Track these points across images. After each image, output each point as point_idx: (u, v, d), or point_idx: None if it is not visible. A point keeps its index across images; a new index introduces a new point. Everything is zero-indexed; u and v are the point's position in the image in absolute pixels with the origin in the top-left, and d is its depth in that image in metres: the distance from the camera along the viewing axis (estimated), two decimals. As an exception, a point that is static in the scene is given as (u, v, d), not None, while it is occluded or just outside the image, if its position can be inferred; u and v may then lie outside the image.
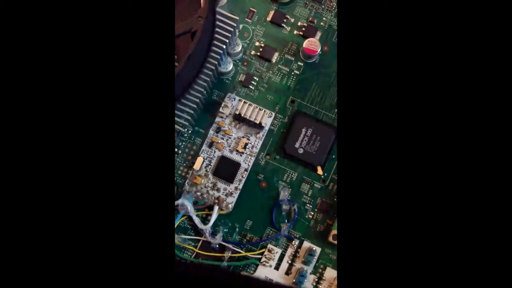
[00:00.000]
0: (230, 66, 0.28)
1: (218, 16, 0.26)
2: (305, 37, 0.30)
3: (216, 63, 0.26)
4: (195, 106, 0.26)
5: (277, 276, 0.28)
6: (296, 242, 0.28)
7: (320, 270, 0.28)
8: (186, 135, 0.29)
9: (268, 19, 0.30)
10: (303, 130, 0.29)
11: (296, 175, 0.29)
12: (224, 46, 0.26)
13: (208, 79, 0.26)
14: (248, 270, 0.28)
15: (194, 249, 0.28)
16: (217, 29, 0.26)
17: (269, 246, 0.28)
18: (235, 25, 0.26)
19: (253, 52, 0.30)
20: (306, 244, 0.28)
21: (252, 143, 0.29)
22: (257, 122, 0.29)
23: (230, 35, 0.26)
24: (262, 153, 0.29)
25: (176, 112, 0.26)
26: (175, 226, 0.28)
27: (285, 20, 0.30)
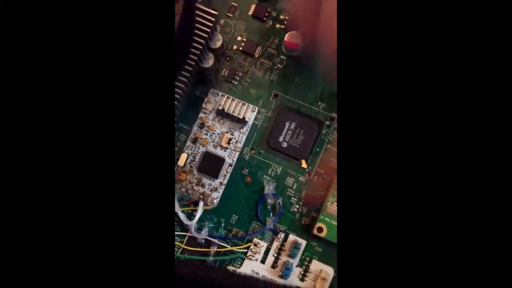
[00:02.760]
0: (211, 62, 0.28)
1: (197, 12, 0.26)
2: (287, 30, 0.29)
3: (197, 58, 0.26)
4: (176, 102, 0.26)
5: (263, 270, 0.28)
6: (281, 236, 0.28)
7: (306, 263, 0.28)
8: (170, 131, 0.29)
9: (250, 13, 0.30)
10: (287, 124, 0.29)
11: (280, 169, 0.29)
12: (203, 41, 0.26)
13: (189, 75, 0.26)
14: (234, 264, 0.28)
15: (180, 244, 0.28)
16: (196, 25, 0.26)
17: (255, 240, 0.28)
18: (214, 20, 0.26)
19: (235, 47, 0.30)
20: (292, 237, 0.28)
21: (236, 138, 0.29)
22: (241, 117, 0.29)
23: (209, 30, 0.26)
24: (246, 148, 0.29)
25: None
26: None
27: (267, 14, 0.30)
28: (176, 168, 0.29)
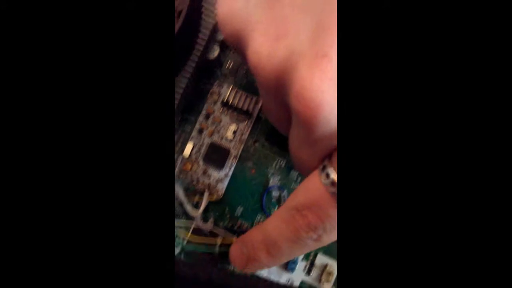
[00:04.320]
0: (217, 53, 0.28)
1: (203, 4, 0.26)
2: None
3: (202, 49, 0.27)
4: (181, 91, 0.26)
5: (267, 262, 0.28)
6: (286, 228, 0.28)
7: (311, 257, 0.28)
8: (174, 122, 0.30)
9: (257, 5, 0.30)
10: (293, 116, 0.29)
11: (285, 162, 0.29)
12: (209, 32, 0.26)
13: (194, 66, 0.26)
14: (238, 256, 0.28)
15: (186, 234, 0.29)
16: (203, 16, 0.26)
17: (259, 232, 0.28)
18: (219, 11, 0.26)
19: (241, 39, 0.30)
20: (297, 230, 0.28)
21: (241, 130, 0.29)
22: (245, 109, 0.29)
23: (216, 21, 0.26)
24: (251, 140, 0.29)
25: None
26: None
27: (273, 6, 0.30)
28: (181, 158, 0.29)
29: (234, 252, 0.24)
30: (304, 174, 0.21)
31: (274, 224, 0.21)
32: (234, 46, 0.21)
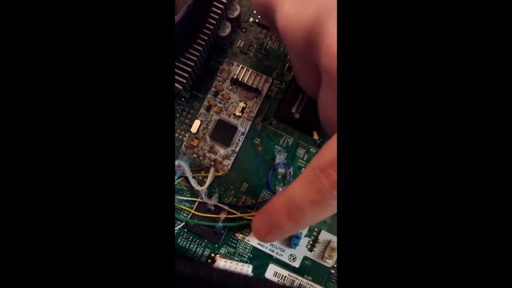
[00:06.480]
0: (228, 30, 0.29)
1: (217, -21, 0.27)
2: (303, 6, 0.30)
3: (213, 28, 0.27)
4: (193, 64, 0.26)
5: (271, 238, 0.28)
6: (291, 205, 0.28)
7: (315, 233, 0.28)
8: (183, 99, 0.30)
9: (267, -12, 0.31)
10: (300, 96, 0.29)
11: (292, 139, 0.29)
12: (223, 7, 0.27)
13: (204, 43, 0.27)
14: (243, 232, 0.28)
15: (190, 210, 0.29)
16: (216, -8, 0.27)
17: (264, 208, 0.28)
18: (234, -13, 0.27)
19: (251, 20, 0.30)
20: (301, 207, 0.28)
21: (249, 108, 0.29)
22: (255, 87, 0.29)
23: (228, -2, 0.27)
24: (259, 118, 0.30)
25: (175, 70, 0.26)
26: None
27: (283, -10, 0.31)
28: (189, 134, 0.29)
29: (256, 221, 0.23)
30: (331, 134, 0.21)
31: (297, 187, 0.21)
32: (263, 14, 0.21)
